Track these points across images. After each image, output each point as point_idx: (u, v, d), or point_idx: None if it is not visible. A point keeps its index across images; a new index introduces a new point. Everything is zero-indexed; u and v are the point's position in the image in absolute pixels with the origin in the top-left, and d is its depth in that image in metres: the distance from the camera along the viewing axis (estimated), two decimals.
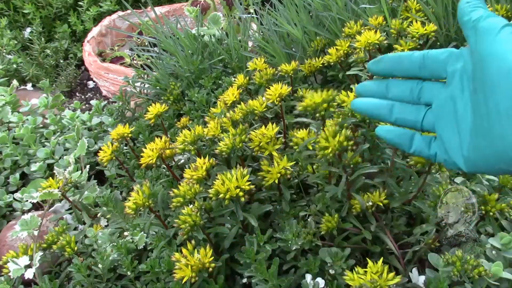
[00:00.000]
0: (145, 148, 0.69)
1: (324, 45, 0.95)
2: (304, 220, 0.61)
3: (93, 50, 1.37)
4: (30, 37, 1.56)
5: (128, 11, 1.48)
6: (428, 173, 0.56)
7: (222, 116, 0.71)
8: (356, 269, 0.48)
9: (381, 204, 0.56)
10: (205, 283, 0.57)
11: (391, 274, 0.47)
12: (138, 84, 1.09)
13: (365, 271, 0.47)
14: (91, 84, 1.53)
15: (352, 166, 0.54)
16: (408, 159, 0.57)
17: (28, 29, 1.61)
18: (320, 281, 0.55)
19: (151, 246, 0.65)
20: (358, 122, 0.57)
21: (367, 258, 0.49)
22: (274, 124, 0.62)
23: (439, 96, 0.40)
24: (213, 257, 0.54)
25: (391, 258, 0.59)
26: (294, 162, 0.61)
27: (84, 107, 1.40)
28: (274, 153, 0.60)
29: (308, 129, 0.62)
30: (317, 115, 0.51)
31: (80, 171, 0.85)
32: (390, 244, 0.57)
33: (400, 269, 0.58)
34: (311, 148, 0.57)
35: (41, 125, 1.12)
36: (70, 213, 0.85)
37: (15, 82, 1.22)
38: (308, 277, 0.56)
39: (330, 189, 0.57)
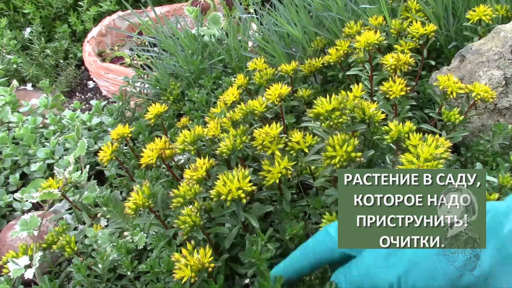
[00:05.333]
0: (145, 148, 0.69)
1: (324, 45, 0.95)
2: (304, 220, 0.61)
3: (93, 50, 1.37)
4: (30, 37, 1.55)
5: (128, 11, 1.48)
6: None
7: (222, 116, 0.71)
8: None
9: None
10: (204, 283, 0.57)
11: None
12: (138, 84, 1.09)
13: None
14: (91, 84, 1.52)
15: None
16: None
17: (28, 29, 1.61)
18: None
19: (151, 246, 0.65)
20: (358, 121, 0.57)
21: None
22: (278, 124, 0.62)
23: None
24: (212, 257, 0.54)
25: None
26: (295, 162, 0.61)
27: (84, 107, 1.40)
28: (277, 152, 0.60)
29: (303, 132, 0.61)
30: (330, 123, 0.51)
31: (80, 171, 0.85)
32: None
33: None
34: (307, 150, 0.57)
35: (41, 125, 1.11)
36: (70, 213, 0.85)
37: (15, 82, 1.22)
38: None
39: (330, 193, 0.57)
